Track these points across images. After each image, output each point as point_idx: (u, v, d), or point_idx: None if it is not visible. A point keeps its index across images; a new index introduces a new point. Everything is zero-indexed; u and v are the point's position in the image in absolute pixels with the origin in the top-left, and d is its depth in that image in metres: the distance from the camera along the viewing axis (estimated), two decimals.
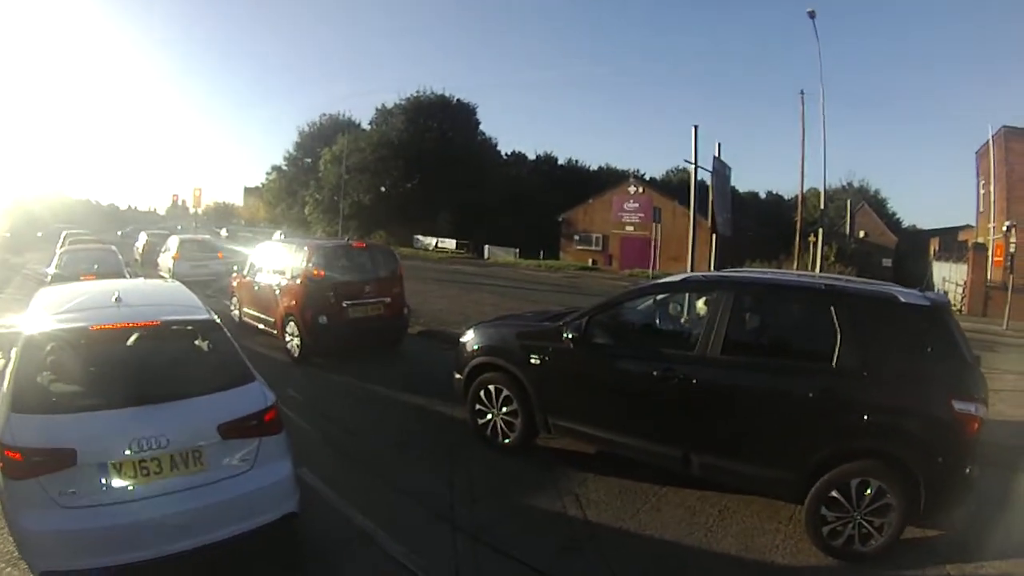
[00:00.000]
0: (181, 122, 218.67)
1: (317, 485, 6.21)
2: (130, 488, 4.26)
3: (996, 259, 33.58)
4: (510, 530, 5.65)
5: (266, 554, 5.00)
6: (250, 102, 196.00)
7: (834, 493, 5.38)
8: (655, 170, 76.33)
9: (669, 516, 6.00)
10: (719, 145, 16.46)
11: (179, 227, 54.84)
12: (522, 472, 6.90)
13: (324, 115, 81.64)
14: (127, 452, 4.24)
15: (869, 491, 5.28)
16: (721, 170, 16.43)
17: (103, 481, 4.20)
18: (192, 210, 51.38)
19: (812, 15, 26.17)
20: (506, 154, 78.24)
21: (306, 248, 12.28)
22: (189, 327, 5.35)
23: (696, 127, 15.00)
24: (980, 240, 38.53)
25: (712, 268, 14.43)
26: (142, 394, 4.58)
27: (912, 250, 58.40)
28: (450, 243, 62.93)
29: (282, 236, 40.73)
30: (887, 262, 56.21)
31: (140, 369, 4.87)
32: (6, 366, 5.07)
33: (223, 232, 54.05)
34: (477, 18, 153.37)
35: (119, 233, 55.73)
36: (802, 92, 27.48)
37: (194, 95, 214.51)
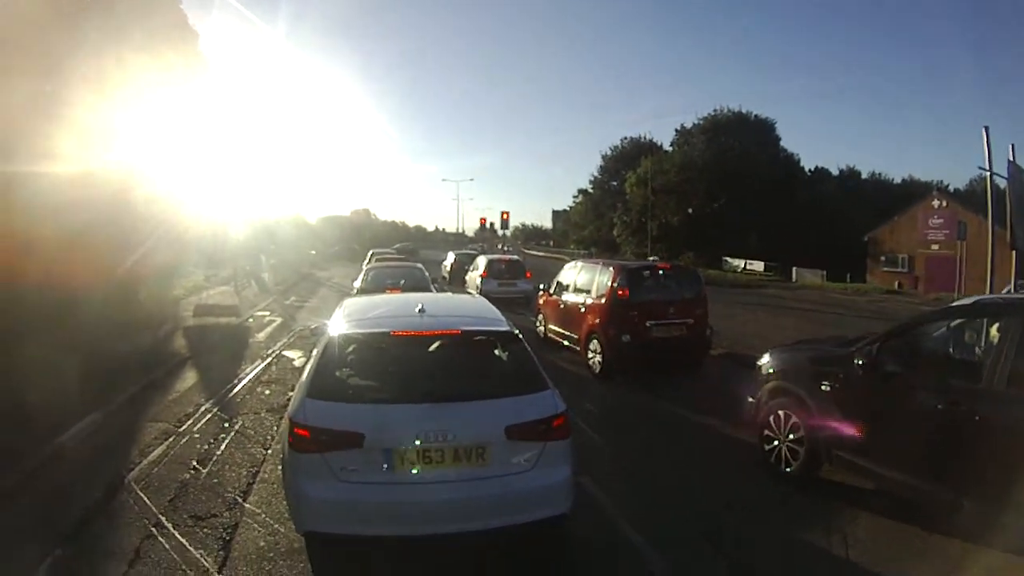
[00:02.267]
0: (486, 149, 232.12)
1: (596, 494, 6.34)
2: (410, 472, 4.61)
3: None
4: (770, 560, 5.46)
5: (533, 551, 5.24)
6: (551, 128, 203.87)
7: None
8: (959, 180, 68.57)
9: (930, 568, 5.40)
10: (1012, 147, 14.26)
11: (482, 247, 58.11)
12: (797, 503, 6.55)
13: (626, 138, 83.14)
14: (413, 442, 4.60)
15: None
16: (1017, 175, 14.26)
17: (385, 464, 4.58)
18: (500, 232, 54.09)
19: None
20: (809, 170, 74.77)
21: (611, 269, 12.45)
22: (489, 337, 5.62)
23: (987, 128, 13.12)
24: None
25: (1014, 289, 12.58)
26: (434, 392, 4.93)
27: None
28: (758, 265, 60.57)
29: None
30: None
31: (436, 372, 5.23)
32: (308, 362, 5.64)
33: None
34: (769, 30, 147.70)
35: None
36: None
37: (499, 123, 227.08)
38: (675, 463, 7.70)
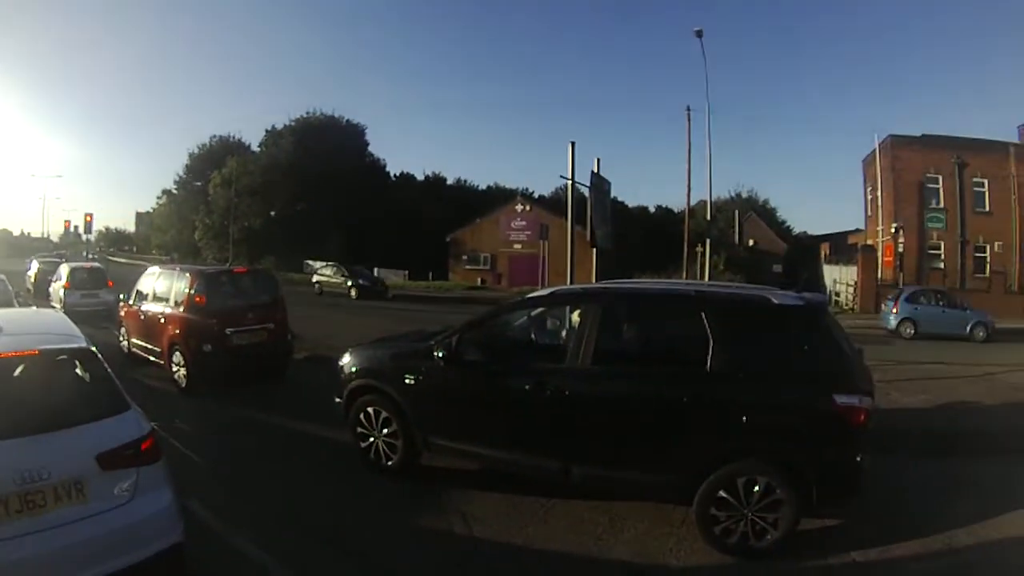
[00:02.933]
0: (70, 144, 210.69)
1: (207, 516, 6.03)
2: (14, 523, 4.00)
3: (886, 259, 35.57)
4: (398, 551, 5.59)
5: None
6: (141, 123, 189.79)
7: (722, 493, 5.41)
8: (544, 188, 77.06)
9: (558, 528, 5.94)
10: (598, 161, 16.71)
11: (66, 254, 52.92)
12: (407, 493, 6.81)
13: (215, 137, 79.64)
14: (12, 486, 3.99)
15: (757, 488, 5.34)
16: (600, 185, 16.60)
17: None
18: (84, 237, 49.58)
19: (699, 34, 27.26)
20: (395, 175, 77.88)
21: (188, 275, 11.94)
22: (66, 356, 5.11)
23: (573, 143, 15.13)
24: (869, 242, 40.53)
25: (594, 281, 14.51)
26: (23, 425, 4.34)
27: (803, 255, 60.29)
28: None
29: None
30: (778, 268, 58.06)
31: (21, 398, 4.63)
32: None
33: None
34: (363, 39, 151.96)
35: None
36: (688, 108, 28.55)
37: (83, 118, 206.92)
38: (278, 471, 7.58)
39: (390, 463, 7.20)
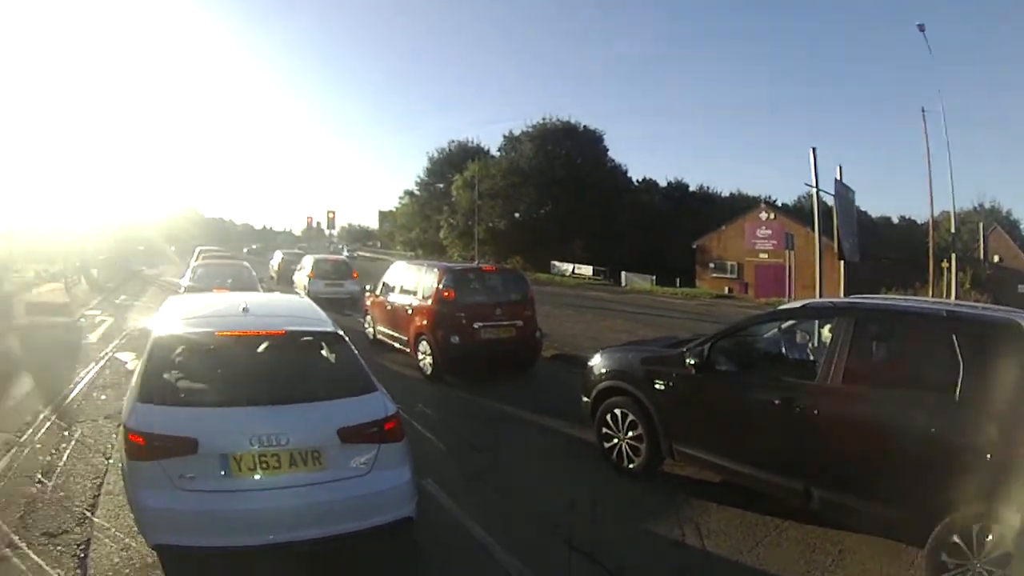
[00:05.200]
0: (317, 146, 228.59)
1: (439, 496, 6.33)
2: (248, 479, 4.48)
3: None
4: (627, 553, 5.54)
5: (380, 555, 5.17)
6: (384, 128, 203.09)
7: (955, 538, 4.82)
8: (787, 196, 74.68)
9: (788, 552, 5.67)
10: (840, 168, 15.83)
11: (307, 247, 57.05)
12: (645, 497, 6.72)
13: (452, 141, 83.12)
14: (248, 446, 4.46)
15: (991, 538, 4.70)
16: (844, 193, 15.76)
17: (222, 470, 4.43)
18: (327, 232, 53.30)
19: (922, 28, 25.28)
20: (637, 180, 77.69)
21: (436, 270, 12.46)
22: (312, 337, 5.56)
23: (814, 149, 14.48)
24: None
25: (843, 295, 13.72)
26: (265, 395, 4.86)
27: None
28: (587, 269, 62.09)
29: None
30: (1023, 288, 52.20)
31: (265, 373, 5.12)
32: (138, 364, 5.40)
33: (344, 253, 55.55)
34: (600, 44, 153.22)
35: (245, 250, 57.96)
36: (923, 110, 26.40)
37: (329, 119, 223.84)
38: (517, 463, 7.74)
39: (632, 466, 7.18)
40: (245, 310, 5.64)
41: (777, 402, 5.91)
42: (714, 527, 6.04)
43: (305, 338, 5.54)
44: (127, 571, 4.94)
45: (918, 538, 5.09)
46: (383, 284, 14.49)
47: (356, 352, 5.52)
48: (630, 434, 7.21)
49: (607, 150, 73.50)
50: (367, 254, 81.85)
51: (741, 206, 64.65)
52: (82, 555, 5.16)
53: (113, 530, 5.54)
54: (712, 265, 57.44)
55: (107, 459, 7.23)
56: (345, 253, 53.30)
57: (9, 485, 6.52)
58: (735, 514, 6.29)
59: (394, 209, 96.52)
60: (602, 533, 5.84)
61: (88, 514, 5.86)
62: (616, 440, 7.36)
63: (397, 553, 5.23)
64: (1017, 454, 4.75)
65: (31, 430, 8.17)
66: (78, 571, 4.93)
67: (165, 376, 4.93)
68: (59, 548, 5.25)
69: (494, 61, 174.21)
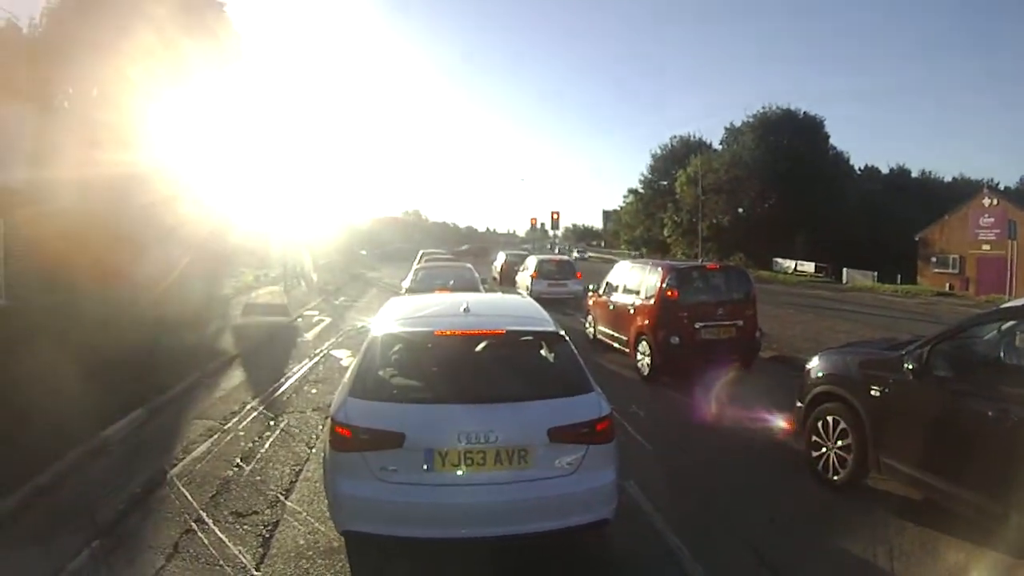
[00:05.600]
0: (537, 149, 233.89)
1: (639, 498, 6.28)
2: (450, 473, 4.57)
3: None
4: (814, 571, 5.35)
5: (573, 556, 5.20)
6: (602, 129, 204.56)
7: None
8: (1011, 177, 67.74)
9: None
10: None
11: (556, 248, 58.05)
12: (843, 511, 6.33)
13: (675, 137, 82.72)
14: (455, 442, 4.54)
15: None
16: None
17: (426, 464, 4.54)
18: (551, 232, 54.21)
19: None
20: (859, 168, 74.55)
21: (660, 269, 12.27)
22: (532, 337, 5.57)
23: None
24: None
25: None
26: (477, 393, 4.92)
27: None
28: (808, 266, 60.20)
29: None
30: None
31: (479, 371, 5.19)
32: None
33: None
34: (815, 27, 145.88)
35: (464, 247, 59.41)
36: None
37: (548, 123, 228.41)
38: (721, 468, 7.57)
39: (836, 477, 6.79)
40: (466, 310, 5.71)
41: (991, 414, 5.29)
42: (907, 548, 5.62)
43: (525, 337, 5.57)
44: (310, 553, 5.23)
45: None
46: (606, 284, 14.51)
47: (575, 352, 5.50)
48: (839, 443, 6.81)
49: (828, 137, 70.42)
50: (591, 253, 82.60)
51: (965, 191, 59.64)
52: (267, 535, 5.52)
53: (304, 514, 5.90)
54: (934, 259, 52.80)
55: (310, 448, 7.70)
56: (576, 254, 53.95)
57: (205, 467, 7.09)
58: (930, 537, 5.81)
59: (618, 208, 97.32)
60: (793, 548, 5.66)
61: (281, 498, 6.28)
62: (824, 449, 6.98)
63: (589, 554, 5.26)
64: None
65: (236, 419, 8.85)
66: (260, 550, 5.29)
67: (379, 373, 5.11)
68: (245, 527, 5.64)
69: (712, 48, 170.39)
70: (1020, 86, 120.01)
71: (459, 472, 4.56)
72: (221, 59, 19.33)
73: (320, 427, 8.35)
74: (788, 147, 65.82)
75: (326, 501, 5.21)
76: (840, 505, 6.49)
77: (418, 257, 30.83)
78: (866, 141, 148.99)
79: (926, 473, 5.92)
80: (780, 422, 8.64)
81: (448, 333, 5.26)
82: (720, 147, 74.33)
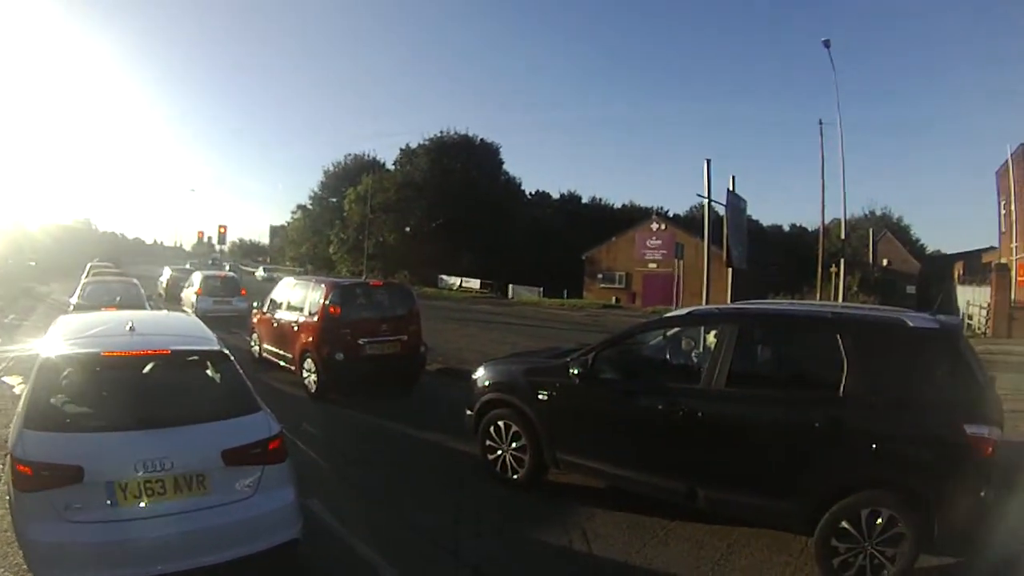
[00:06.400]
0: (208, 160, 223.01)
1: (324, 516, 6.26)
2: (134, 507, 4.38)
3: (1020, 279, 33.22)
4: (514, 564, 5.66)
5: None
6: (275, 141, 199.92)
7: (844, 524, 5.23)
8: (679, 206, 77.53)
9: (676, 551, 5.88)
10: (733, 179, 16.51)
11: (209, 262, 55.22)
12: (530, 507, 6.87)
13: (349, 155, 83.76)
14: (133, 472, 4.37)
15: (880, 520, 5.13)
16: (735, 203, 16.40)
17: (108, 499, 4.32)
18: (217, 247, 52.07)
19: (827, 44, 26.63)
20: (530, 193, 79.44)
21: (323, 286, 12.36)
22: (198, 356, 5.50)
23: (708, 161, 15.07)
24: (1003, 261, 37.88)
25: (729, 302, 14.31)
26: (150, 418, 4.74)
27: (936, 275, 57.26)
28: (474, 283, 62.94)
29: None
30: (911, 289, 55.71)
31: (149, 394, 5.05)
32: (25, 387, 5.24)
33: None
34: (497, 58, 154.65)
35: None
36: (820, 122, 27.69)
37: (221, 134, 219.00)
38: (402, 478, 7.77)
39: (516, 476, 7.31)
40: (131, 328, 5.53)
41: (661, 407, 6.16)
42: (601, 531, 6.21)
43: (190, 357, 5.49)
44: None
45: (807, 527, 5.46)
46: (270, 301, 14.29)
47: (240, 371, 5.48)
48: (514, 445, 7.33)
49: (503, 163, 74.84)
50: (251, 269, 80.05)
51: (634, 217, 66.54)
52: None
53: (2, 570, 5.24)
54: (600, 276, 58.90)
55: None
56: (228, 268, 52.12)
57: None
58: (621, 518, 6.47)
59: (286, 224, 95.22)
60: (488, 546, 5.94)
61: None
62: (500, 452, 7.47)
63: (282, 574, 5.16)
64: (902, 440, 5.22)
65: None
66: None
67: (52, 400, 4.78)
68: None
69: (394, 72, 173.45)
70: (686, 126, 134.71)
71: (142, 504, 4.38)
72: None
73: (1, 465, 7.46)
74: (462, 170, 68.65)
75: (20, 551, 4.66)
76: (526, 501, 6.97)
77: (86, 271, 28.51)
78: (542, 169, 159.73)
79: (605, 464, 6.66)
80: (453, 431, 8.93)
81: (116, 354, 5.08)
82: (393, 167, 75.63)
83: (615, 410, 6.70)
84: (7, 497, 4.75)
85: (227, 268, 51.32)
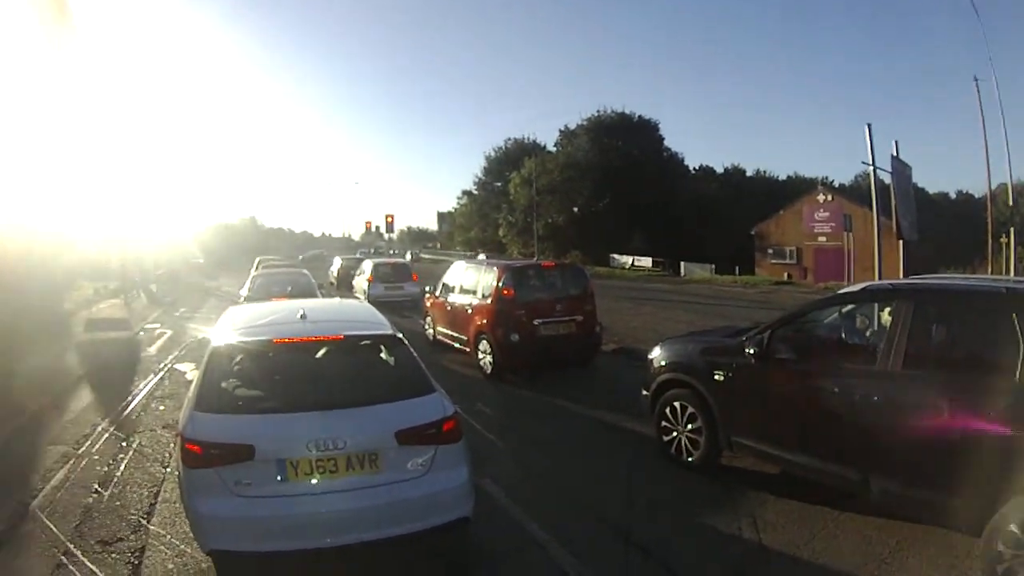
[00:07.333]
0: (372, 152, 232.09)
1: (497, 494, 6.33)
2: (305, 483, 4.54)
3: None
4: (683, 548, 5.49)
5: (435, 556, 5.17)
6: (436, 129, 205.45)
7: (1012, 527, 4.57)
8: (845, 176, 73.53)
9: (845, 544, 5.49)
10: (896, 144, 15.34)
11: (370, 251, 57.27)
12: (702, 490, 6.64)
13: (509, 139, 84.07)
14: (304, 451, 4.51)
15: None
16: (901, 170, 15.27)
17: (279, 476, 4.49)
18: (385, 236, 53.88)
19: None
20: (694, 168, 77.59)
21: (496, 268, 12.39)
22: (371, 341, 5.59)
23: (869, 125, 14.11)
24: None
25: (902, 276, 13.23)
26: (323, 400, 4.89)
27: None
28: (646, 261, 62.24)
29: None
30: None
31: (323, 378, 5.19)
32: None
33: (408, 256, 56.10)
34: (651, 32, 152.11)
35: (299, 257, 58.89)
36: (976, 79, 25.18)
37: (382, 126, 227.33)
38: (576, 459, 7.70)
39: (691, 459, 7.11)
40: (303, 317, 5.66)
41: (836, 390, 5.76)
42: (771, 519, 5.94)
43: (363, 342, 5.58)
44: None
45: (975, 527, 4.88)
46: (443, 285, 14.51)
47: (414, 354, 5.51)
48: (689, 427, 7.12)
49: (663, 139, 73.60)
50: (426, 255, 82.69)
51: (799, 189, 63.90)
52: (136, 562, 5.29)
53: (169, 537, 5.65)
54: (771, 251, 56.74)
55: (165, 468, 7.39)
56: (408, 256, 53.93)
57: (66, 496, 6.67)
58: (793, 506, 6.18)
59: (453, 210, 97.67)
60: (659, 528, 5.83)
61: (144, 522, 6.00)
62: (675, 433, 7.28)
63: (453, 553, 5.25)
64: None
65: (89, 442, 8.37)
66: None
67: (223, 385, 5.00)
68: (113, 555, 5.39)
69: (547, 54, 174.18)
70: (853, 89, 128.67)
71: (313, 481, 4.52)
72: (57, 58, 18.08)
73: (171, 445, 7.96)
74: (623, 148, 67.89)
75: (187, 521, 4.98)
76: (698, 484, 6.76)
77: (255, 265, 30.06)
78: (704, 143, 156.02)
79: (779, 448, 6.30)
80: (628, 411, 8.79)
81: (287, 340, 5.24)
82: (554, 149, 75.80)
83: (789, 392, 6.31)
84: (177, 472, 5.02)
85: (392, 254, 53.11)
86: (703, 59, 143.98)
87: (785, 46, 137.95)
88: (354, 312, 6.98)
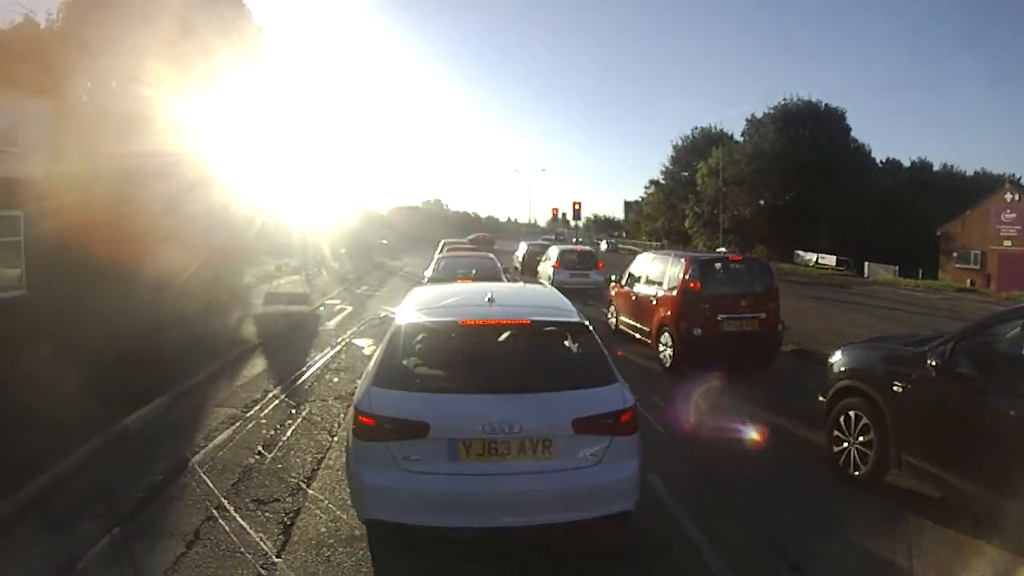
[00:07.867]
0: (559, 141, 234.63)
1: (661, 491, 6.23)
2: (474, 464, 4.57)
3: None
4: (832, 566, 5.26)
5: (590, 544, 5.08)
6: (624, 117, 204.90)
7: None
8: None
9: None
10: None
11: (553, 237, 57.71)
12: (863, 508, 6.24)
13: (696, 128, 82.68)
14: (479, 432, 4.53)
15: None
16: None
17: (449, 454, 4.55)
18: (572, 223, 54.19)
19: None
20: (880, 161, 73.58)
21: (683, 260, 12.18)
22: (557, 328, 5.54)
23: None
24: None
25: None
26: (502, 384, 4.90)
27: None
28: (830, 259, 59.75)
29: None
30: None
31: (504, 362, 5.20)
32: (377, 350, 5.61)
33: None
34: (839, 19, 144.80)
35: (467, 239, 60.21)
36: None
37: (570, 114, 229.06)
38: (743, 462, 7.51)
39: (857, 473, 6.69)
40: (491, 300, 5.67)
41: (1012, 413, 5.13)
42: (926, 547, 5.52)
43: (549, 328, 5.55)
44: (331, 541, 5.25)
45: None
46: (628, 274, 14.43)
47: (600, 343, 5.45)
48: (861, 439, 6.70)
49: (850, 129, 69.74)
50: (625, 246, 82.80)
51: (987, 186, 57.64)
52: (288, 523, 5.54)
53: (326, 503, 5.91)
54: (956, 255, 51.78)
55: (332, 437, 7.72)
56: (605, 245, 53.98)
57: (227, 455, 7.11)
58: (950, 536, 5.71)
59: (640, 199, 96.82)
60: (812, 543, 5.61)
61: (303, 486, 6.29)
62: (846, 444, 6.88)
63: (608, 544, 5.16)
64: None
65: (258, 407, 8.90)
66: (281, 537, 5.30)
67: (403, 362, 5.12)
68: (267, 515, 5.68)
69: (736, 39, 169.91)
70: None
71: (483, 462, 4.56)
72: (242, 51, 19.29)
73: (342, 416, 8.36)
74: (810, 139, 65.26)
75: (348, 489, 5.19)
76: (860, 501, 6.42)
77: (440, 246, 30.84)
78: (890, 134, 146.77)
79: (945, 471, 5.78)
80: (802, 416, 8.52)
81: (473, 323, 5.24)
82: (742, 139, 73.70)
83: (965, 412, 5.72)
84: (346, 443, 5.18)
85: (576, 242, 53.18)
86: (889, 50, 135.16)
87: (970, 36, 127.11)
88: (542, 298, 6.90)
